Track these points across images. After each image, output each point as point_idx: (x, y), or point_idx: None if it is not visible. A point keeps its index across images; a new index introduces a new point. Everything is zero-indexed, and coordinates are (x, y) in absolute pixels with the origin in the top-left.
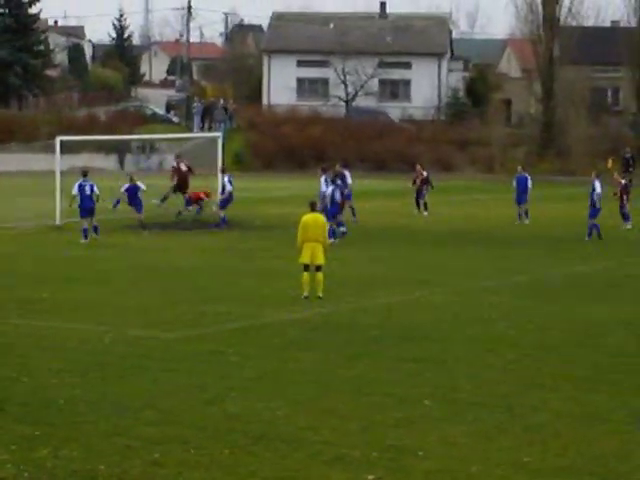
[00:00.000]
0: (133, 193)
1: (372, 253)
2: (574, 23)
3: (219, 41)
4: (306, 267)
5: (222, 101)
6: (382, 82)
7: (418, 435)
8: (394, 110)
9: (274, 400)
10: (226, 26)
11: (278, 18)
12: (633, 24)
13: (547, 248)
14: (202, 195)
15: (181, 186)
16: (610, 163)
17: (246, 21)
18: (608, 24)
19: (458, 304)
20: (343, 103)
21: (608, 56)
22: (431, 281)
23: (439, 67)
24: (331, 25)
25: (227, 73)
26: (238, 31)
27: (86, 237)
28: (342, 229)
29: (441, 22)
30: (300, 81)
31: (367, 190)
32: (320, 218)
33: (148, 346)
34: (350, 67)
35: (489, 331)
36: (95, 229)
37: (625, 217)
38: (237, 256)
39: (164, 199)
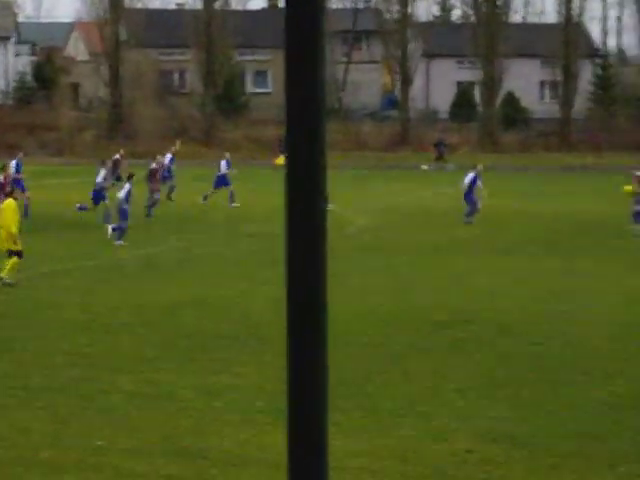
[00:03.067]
0: None
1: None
2: (140, 5)
3: None
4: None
5: None
6: None
7: None
8: None
9: None
10: None
11: None
12: (199, 6)
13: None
14: None
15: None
16: (178, 144)
17: None
18: (174, 7)
19: (37, 288)
20: None
21: (175, 39)
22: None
23: (5, 51)
24: None
25: None
26: None
27: None
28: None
29: (6, 6)
30: None
31: None
32: (9, 204)
33: None
34: None
35: (62, 316)
36: None
37: None
38: None
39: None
